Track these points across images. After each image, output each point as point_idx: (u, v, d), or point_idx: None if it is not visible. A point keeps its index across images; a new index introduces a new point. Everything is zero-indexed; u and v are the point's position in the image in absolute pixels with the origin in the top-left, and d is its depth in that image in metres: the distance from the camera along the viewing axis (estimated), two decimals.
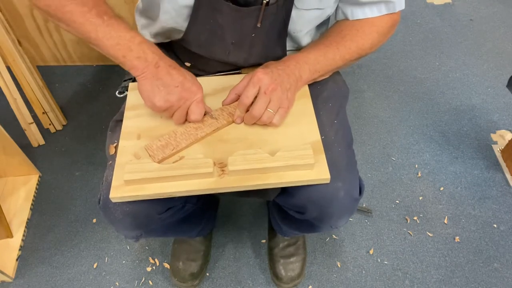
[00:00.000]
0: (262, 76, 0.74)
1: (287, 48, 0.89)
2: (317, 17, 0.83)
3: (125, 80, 0.91)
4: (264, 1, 0.76)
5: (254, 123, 0.77)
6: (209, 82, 0.86)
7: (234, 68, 0.92)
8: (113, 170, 0.72)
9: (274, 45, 0.86)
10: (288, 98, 0.76)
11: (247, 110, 0.77)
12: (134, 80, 0.93)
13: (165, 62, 0.73)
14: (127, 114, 0.81)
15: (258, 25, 0.79)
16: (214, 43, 0.85)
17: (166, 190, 0.69)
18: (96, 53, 1.86)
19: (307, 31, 0.86)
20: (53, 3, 0.70)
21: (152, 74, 0.71)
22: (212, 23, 0.81)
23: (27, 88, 1.50)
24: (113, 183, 0.70)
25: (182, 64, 0.94)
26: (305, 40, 0.88)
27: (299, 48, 0.90)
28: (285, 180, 0.70)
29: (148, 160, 0.71)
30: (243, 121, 0.78)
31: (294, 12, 0.80)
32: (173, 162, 0.71)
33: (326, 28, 0.94)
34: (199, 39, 0.85)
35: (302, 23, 0.83)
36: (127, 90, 0.87)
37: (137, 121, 0.80)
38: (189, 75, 0.75)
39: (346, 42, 0.83)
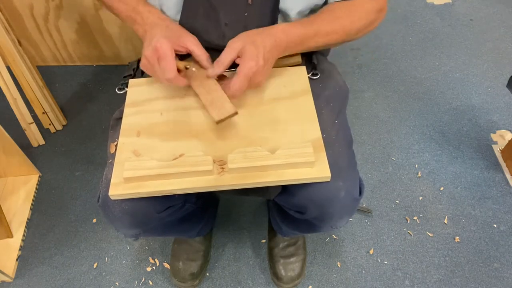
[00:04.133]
0: (251, 64, 0.73)
1: None
2: None
3: (125, 77, 0.91)
4: None
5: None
6: None
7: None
8: (112, 168, 0.72)
9: (268, 25, 0.84)
10: (267, 67, 0.77)
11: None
12: (134, 76, 0.93)
13: (163, 22, 0.81)
14: (126, 111, 0.81)
15: (249, 1, 0.80)
16: (208, 28, 0.85)
17: (165, 187, 0.69)
18: (96, 53, 1.86)
19: (299, 10, 0.84)
20: None
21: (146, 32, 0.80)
22: (205, 5, 0.82)
23: (27, 88, 1.50)
24: (113, 181, 0.70)
25: (182, 56, 0.94)
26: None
27: None
28: (285, 178, 0.70)
29: (147, 158, 0.71)
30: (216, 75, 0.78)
31: None
32: (173, 160, 0.71)
33: None
34: (194, 26, 0.85)
35: (293, 0, 0.83)
36: (127, 87, 0.87)
37: (137, 118, 0.80)
38: (171, 31, 0.78)
39: (336, 24, 0.82)
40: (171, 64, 0.74)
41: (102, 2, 0.90)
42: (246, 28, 0.83)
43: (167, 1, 0.84)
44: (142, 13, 0.82)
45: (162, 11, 0.87)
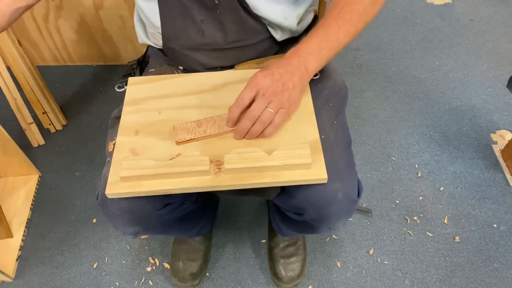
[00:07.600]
0: (261, 79, 0.71)
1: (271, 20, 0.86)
2: None
3: (124, 75, 0.91)
4: None
5: (253, 133, 0.73)
6: (207, 78, 0.86)
7: (227, 66, 0.92)
8: (110, 167, 0.72)
9: (245, 18, 0.84)
10: (289, 98, 0.73)
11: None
12: (134, 74, 0.93)
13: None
14: (125, 109, 0.81)
15: (216, 1, 0.80)
16: (187, 26, 0.85)
17: (162, 187, 0.69)
18: (96, 53, 1.87)
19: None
20: None
21: None
22: (179, 6, 0.83)
23: (27, 88, 1.50)
24: (109, 180, 0.70)
25: (176, 68, 0.95)
26: (273, 10, 0.84)
27: (277, 22, 0.87)
28: (282, 179, 0.70)
29: (144, 157, 0.71)
30: (234, 125, 0.74)
31: None
32: (170, 159, 0.71)
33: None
34: (174, 26, 0.86)
35: None
36: (126, 85, 0.87)
37: (135, 116, 0.80)
38: None
39: (345, 14, 0.77)
40: None
41: None
42: (222, 23, 0.84)
43: (149, 9, 0.85)
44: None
45: (149, 20, 0.88)
